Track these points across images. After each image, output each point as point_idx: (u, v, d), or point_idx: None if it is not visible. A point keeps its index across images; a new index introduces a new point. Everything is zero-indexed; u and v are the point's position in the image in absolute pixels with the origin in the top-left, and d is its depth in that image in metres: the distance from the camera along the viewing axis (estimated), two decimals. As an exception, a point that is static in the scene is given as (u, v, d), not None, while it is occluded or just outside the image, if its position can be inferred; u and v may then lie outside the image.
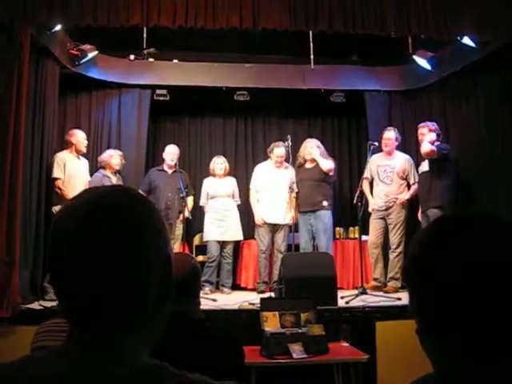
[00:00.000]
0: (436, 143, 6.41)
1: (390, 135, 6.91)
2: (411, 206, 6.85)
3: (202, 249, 7.33)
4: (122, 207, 0.89)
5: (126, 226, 0.87)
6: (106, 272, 0.85)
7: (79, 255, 0.85)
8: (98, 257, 0.85)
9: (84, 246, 0.85)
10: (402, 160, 6.91)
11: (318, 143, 7.24)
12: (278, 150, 7.12)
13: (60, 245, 0.87)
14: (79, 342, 0.87)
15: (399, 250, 6.64)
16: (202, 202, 7.25)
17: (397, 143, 6.97)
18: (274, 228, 7.04)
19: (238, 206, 7.29)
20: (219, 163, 7.27)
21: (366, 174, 6.87)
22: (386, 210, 6.75)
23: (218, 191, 7.14)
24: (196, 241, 7.67)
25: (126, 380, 0.83)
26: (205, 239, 7.16)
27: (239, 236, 7.17)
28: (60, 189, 6.07)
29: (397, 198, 6.72)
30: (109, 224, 0.86)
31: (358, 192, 6.34)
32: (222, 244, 7.07)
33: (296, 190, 6.79)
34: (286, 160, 7.05)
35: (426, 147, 6.35)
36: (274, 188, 7.04)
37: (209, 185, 7.25)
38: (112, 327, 0.87)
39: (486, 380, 0.82)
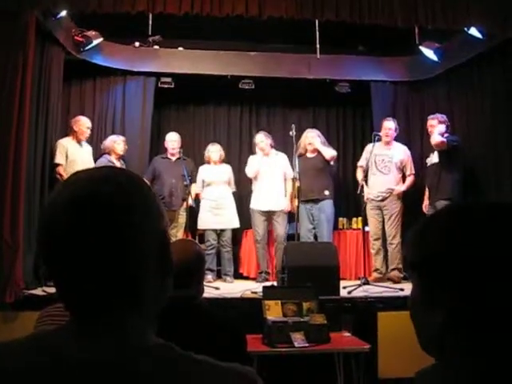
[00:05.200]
0: (445, 135, 6.40)
1: (391, 125, 6.90)
2: (410, 196, 6.84)
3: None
4: (111, 194, 0.88)
5: (115, 213, 0.86)
6: (99, 258, 0.84)
7: (71, 244, 0.84)
8: (90, 245, 0.84)
9: (75, 236, 0.84)
10: (400, 151, 6.91)
11: (319, 133, 7.26)
12: (257, 136, 7.20)
13: (50, 231, 0.87)
14: (82, 325, 0.87)
15: (396, 240, 6.64)
16: (197, 190, 7.21)
17: (396, 134, 6.96)
18: (269, 215, 7.03)
19: (235, 193, 7.29)
20: (215, 151, 7.27)
21: (361, 162, 6.88)
22: (382, 200, 6.75)
23: (213, 178, 7.12)
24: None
25: (133, 359, 0.83)
26: (200, 227, 7.14)
27: (235, 223, 7.13)
28: (61, 175, 6.06)
29: (393, 189, 6.71)
30: (98, 213, 0.85)
31: (360, 183, 6.35)
32: (220, 232, 7.07)
33: (298, 180, 6.73)
34: (284, 148, 7.16)
35: (436, 138, 6.33)
36: (266, 176, 7.03)
37: (204, 172, 7.22)
38: (110, 309, 0.87)
39: (506, 376, 0.81)
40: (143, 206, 0.90)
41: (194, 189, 7.12)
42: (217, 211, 7.00)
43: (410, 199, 6.84)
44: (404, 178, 6.89)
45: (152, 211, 0.92)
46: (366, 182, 6.87)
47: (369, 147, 6.71)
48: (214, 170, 7.21)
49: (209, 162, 7.29)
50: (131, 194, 0.90)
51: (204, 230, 7.13)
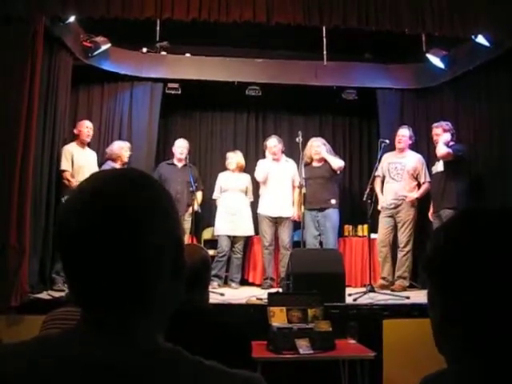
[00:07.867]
0: (451, 143, 6.38)
1: (405, 132, 6.89)
2: (421, 205, 6.80)
3: (211, 243, 7.34)
4: (124, 193, 0.87)
5: (127, 212, 0.86)
6: (111, 259, 0.84)
7: (83, 244, 0.85)
8: (102, 245, 0.84)
9: (87, 236, 0.84)
10: (413, 159, 6.87)
11: (324, 141, 7.26)
12: (270, 140, 7.19)
13: (65, 233, 0.87)
14: (90, 327, 0.86)
15: (407, 248, 6.60)
16: (215, 196, 7.29)
17: (410, 142, 6.93)
18: (277, 222, 7.03)
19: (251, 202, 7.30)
20: (229, 158, 7.35)
21: (378, 172, 6.84)
22: (395, 208, 6.71)
23: (230, 185, 7.16)
24: (205, 235, 7.69)
25: (141, 363, 0.82)
26: (216, 233, 7.18)
27: (250, 232, 7.18)
28: (68, 180, 6.08)
29: (406, 197, 6.69)
30: (109, 213, 0.85)
31: (367, 190, 6.31)
32: (233, 239, 7.09)
33: (304, 186, 6.73)
34: (290, 155, 7.16)
35: (441, 150, 6.30)
36: (275, 181, 7.05)
37: (222, 179, 7.28)
38: (119, 310, 0.87)
39: (509, 379, 0.81)
40: (158, 208, 0.90)
41: (200, 195, 7.16)
42: (231, 217, 7.02)
43: (421, 207, 6.80)
44: (419, 186, 6.84)
45: (167, 214, 0.92)
46: (382, 190, 6.88)
47: (383, 156, 6.70)
48: (232, 177, 7.26)
49: (228, 170, 7.33)
50: (146, 194, 0.90)
51: (217, 236, 7.15)
